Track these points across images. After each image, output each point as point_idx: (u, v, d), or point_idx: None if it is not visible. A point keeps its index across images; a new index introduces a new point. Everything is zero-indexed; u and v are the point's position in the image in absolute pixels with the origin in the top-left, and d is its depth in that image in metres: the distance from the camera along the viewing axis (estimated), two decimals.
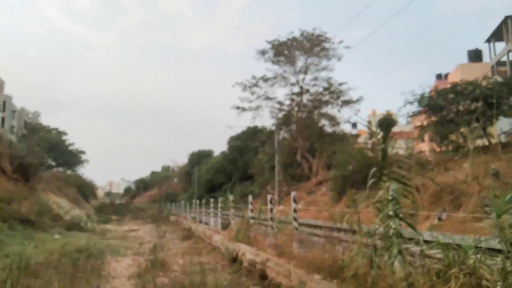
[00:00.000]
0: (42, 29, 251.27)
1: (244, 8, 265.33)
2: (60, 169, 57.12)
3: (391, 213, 4.30)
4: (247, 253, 8.29)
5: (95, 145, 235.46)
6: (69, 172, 57.81)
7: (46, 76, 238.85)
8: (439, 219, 14.23)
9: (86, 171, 69.37)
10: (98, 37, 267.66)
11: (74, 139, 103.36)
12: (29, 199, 19.60)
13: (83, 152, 62.48)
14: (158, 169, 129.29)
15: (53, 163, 56.67)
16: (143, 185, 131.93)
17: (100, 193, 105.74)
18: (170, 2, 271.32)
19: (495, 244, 3.53)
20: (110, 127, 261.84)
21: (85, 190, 48.82)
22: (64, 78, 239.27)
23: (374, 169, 4.24)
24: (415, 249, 4.60)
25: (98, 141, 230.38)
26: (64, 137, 61.19)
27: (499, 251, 3.34)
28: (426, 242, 8.39)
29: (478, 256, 3.54)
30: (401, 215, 4.08)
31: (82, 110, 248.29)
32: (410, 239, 5.13)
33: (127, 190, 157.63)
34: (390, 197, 4.18)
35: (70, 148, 60.84)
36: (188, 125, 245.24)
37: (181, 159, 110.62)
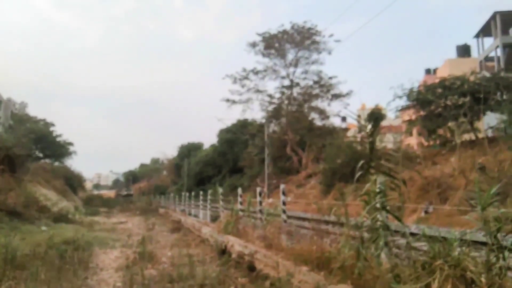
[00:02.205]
0: (29, 18, 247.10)
1: None
2: (48, 160, 56.40)
3: (378, 205, 4.34)
4: (236, 245, 8.32)
5: (84, 136, 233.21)
6: (56, 163, 57.06)
7: (34, 66, 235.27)
8: (426, 212, 14.43)
9: (74, 163, 68.96)
10: (87, 26, 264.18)
11: (62, 130, 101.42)
12: (16, 190, 19.34)
13: (71, 144, 61.78)
14: (147, 161, 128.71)
15: (41, 155, 55.96)
16: (132, 177, 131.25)
17: (88, 185, 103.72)
18: None
19: (480, 236, 3.59)
20: (99, 118, 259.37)
21: (73, 182, 48.32)
22: (52, 68, 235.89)
23: (362, 162, 4.26)
24: (402, 241, 4.65)
25: (87, 132, 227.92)
26: (51, 128, 60.37)
27: (484, 244, 3.40)
28: (412, 234, 8.51)
29: (463, 248, 3.59)
30: (388, 208, 4.12)
31: (70, 101, 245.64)
32: (397, 231, 5.19)
33: (116, 182, 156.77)
34: (377, 190, 4.21)
35: (58, 139, 60.06)
36: (177, 117, 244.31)
37: (171, 152, 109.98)
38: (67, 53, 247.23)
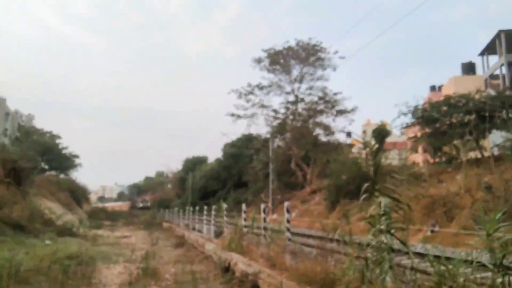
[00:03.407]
0: (36, 31, 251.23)
1: (239, 13, 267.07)
2: (53, 172, 56.66)
3: (383, 227, 4.33)
4: (240, 263, 8.28)
5: (89, 148, 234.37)
6: (62, 176, 57.33)
7: (40, 79, 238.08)
8: (432, 231, 14.29)
9: (79, 175, 68.52)
10: (93, 40, 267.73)
11: (68, 143, 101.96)
12: (21, 203, 19.43)
13: (76, 156, 62.11)
14: (152, 174, 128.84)
15: (46, 167, 56.22)
16: (136, 190, 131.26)
17: (93, 197, 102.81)
18: (165, 6, 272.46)
19: (486, 259, 3.57)
20: (104, 131, 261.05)
21: (77, 194, 48.39)
22: (58, 80, 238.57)
23: (366, 185, 4.27)
24: (407, 261, 4.62)
25: (92, 145, 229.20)
26: (57, 141, 60.85)
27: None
28: (418, 254, 8.44)
29: (469, 271, 3.57)
30: (392, 231, 4.11)
31: (77, 113, 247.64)
32: (404, 252, 5.17)
33: (120, 195, 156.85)
34: (382, 212, 4.21)
35: (64, 152, 60.44)
36: (182, 131, 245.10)
37: (175, 165, 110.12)
38: (74, 66, 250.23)
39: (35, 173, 34.26)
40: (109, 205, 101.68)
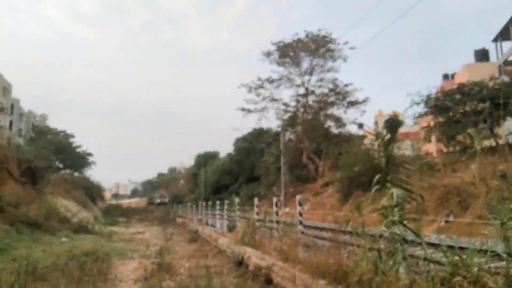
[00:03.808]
0: (45, 31, 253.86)
1: (247, 8, 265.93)
2: (68, 171, 57.51)
3: (396, 218, 4.29)
4: (253, 257, 8.31)
5: (102, 146, 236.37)
6: (76, 174, 58.17)
7: (52, 79, 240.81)
8: (446, 221, 14.14)
9: (93, 173, 68.73)
10: (103, 38, 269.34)
11: (81, 141, 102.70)
12: (37, 202, 19.76)
13: (90, 154, 62.95)
14: (164, 170, 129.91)
15: (61, 166, 57.09)
16: (150, 186, 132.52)
17: (107, 194, 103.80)
18: (174, 2, 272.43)
19: (500, 249, 3.51)
20: (116, 128, 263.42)
21: (92, 192, 49.04)
22: (70, 80, 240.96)
23: (378, 176, 4.23)
24: (421, 252, 4.58)
25: (105, 142, 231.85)
26: (71, 140, 61.69)
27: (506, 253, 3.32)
28: (433, 245, 8.36)
29: (483, 261, 3.52)
30: (405, 222, 4.07)
31: (89, 111, 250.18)
32: (418, 242, 5.12)
33: (134, 191, 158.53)
34: (394, 203, 4.17)
35: (78, 150, 61.27)
36: (194, 126, 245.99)
37: (188, 161, 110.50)
38: (85, 65, 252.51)
39: (50, 172, 34.80)
40: (125, 202, 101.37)
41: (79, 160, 60.47)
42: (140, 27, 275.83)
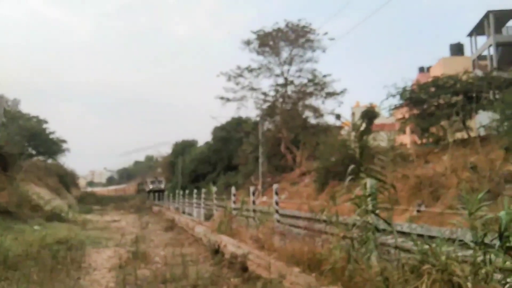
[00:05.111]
0: (20, 13, 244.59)
1: None
2: (41, 158, 56.09)
3: (368, 207, 4.40)
4: (229, 245, 8.35)
5: (77, 133, 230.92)
6: (50, 161, 56.80)
7: (25, 62, 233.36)
8: (418, 211, 14.55)
9: (67, 160, 66.60)
10: (78, 21, 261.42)
11: (55, 127, 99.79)
12: (8, 189, 19.23)
13: (64, 141, 61.43)
14: (141, 158, 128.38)
15: (34, 152, 55.60)
16: (126, 174, 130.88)
17: (82, 182, 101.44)
18: None
19: (468, 238, 3.64)
20: (92, 115, 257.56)
21: (66, 179, 48.07)
22: (44, 64, 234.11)
23: (352, 166, 4.31)
24: (392, 241, 4.71)
25: (80, 129, 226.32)
26: (44, 125, 60.05)
27: (474, 243, 3.45)
28: (404, 233, 8.59)
29: (452, 250, 3.64)
30: (377, 211, 4.17)
31: (63, 97, 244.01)
32: (389, 231, 5.26)
33: (110, 179, 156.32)
34: (367, 193, 4.26)
35: (51, 136, 59.76)
36: (171, 114, 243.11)
37: (165, 149, 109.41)
38: (59, 49, 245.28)
39: (22, 159, 33.89)
40: (111, 189, 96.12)
41: (53, 147, 58.99)
42: (116, 10, 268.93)
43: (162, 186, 57.84)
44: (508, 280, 2.95)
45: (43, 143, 56.70)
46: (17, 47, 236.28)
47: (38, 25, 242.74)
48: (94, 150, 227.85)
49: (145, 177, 76.45)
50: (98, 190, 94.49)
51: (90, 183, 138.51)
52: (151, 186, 58.92)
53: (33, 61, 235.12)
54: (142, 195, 59.20)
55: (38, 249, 9.47)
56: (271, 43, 42.38)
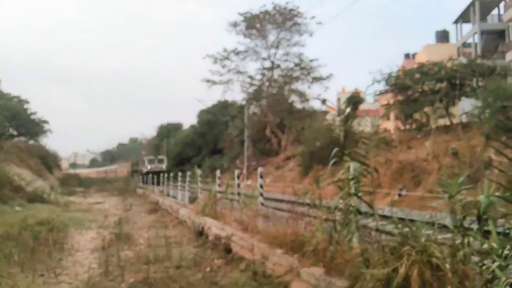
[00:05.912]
0: None
1: None
2: (22, 139, 55.01)
3: (351, 191, 4.44)
4: (213, 227, 8.39)
5: (60, 115, 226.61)
6: (31, 142, 55.73)
7: (6, 41, 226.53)
8: (399, 195, 14.80)
9: (50, 142, 64.47)
10: (61, 0, 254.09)
11: (37, 108, 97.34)
12: None
13: (46, 122, 60.22)
14: (125, 141, 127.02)
15: (15, 133, 54.50)
16: (109, 157, 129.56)
17: (65, 164, 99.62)
18: None
19: (448, 221, 3.72)
20: (75, 97, 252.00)
21: (48, 161, 47.19)
22: (26, 43, 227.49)
23: (335, 150, 4.34)
24: (374, 223, 4.79)
25: (63, 111, 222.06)
26: (26, 106, 58.70)
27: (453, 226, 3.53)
28: (385, 217, 8.75)
29: (431, 233, 3.72)
30: (360, 194, 4.22)
31: (45, 78, 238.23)
32: (371, 214, 5.34)
33: (93, 161, 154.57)
34: (350, 176, 4.30)
35: (33, 117, 58.50)
36: (157, 97, 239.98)
37: (150, 131, 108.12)
38: (41, 29, 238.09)
39: (3, 139, 33.22)
40: (100, 170, 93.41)
41: (34, 128, 57.81)
42: None
43: (164, 166, 48.68)
44: (485, 262, 3.03)
45: (25, 123, 55.55)
46: None
47: (20, 4, 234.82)
48: (77, 132, 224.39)
49: (140, 156, 67.01)
50: (81, 172, 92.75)
51: (73, 165, 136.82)
52: (149, 167, 49.58)
53: (15, 40, 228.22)
54: (136, 178, 51.39)
55: (19, 230, 9.37)
56: (258, 25, 41.97)
